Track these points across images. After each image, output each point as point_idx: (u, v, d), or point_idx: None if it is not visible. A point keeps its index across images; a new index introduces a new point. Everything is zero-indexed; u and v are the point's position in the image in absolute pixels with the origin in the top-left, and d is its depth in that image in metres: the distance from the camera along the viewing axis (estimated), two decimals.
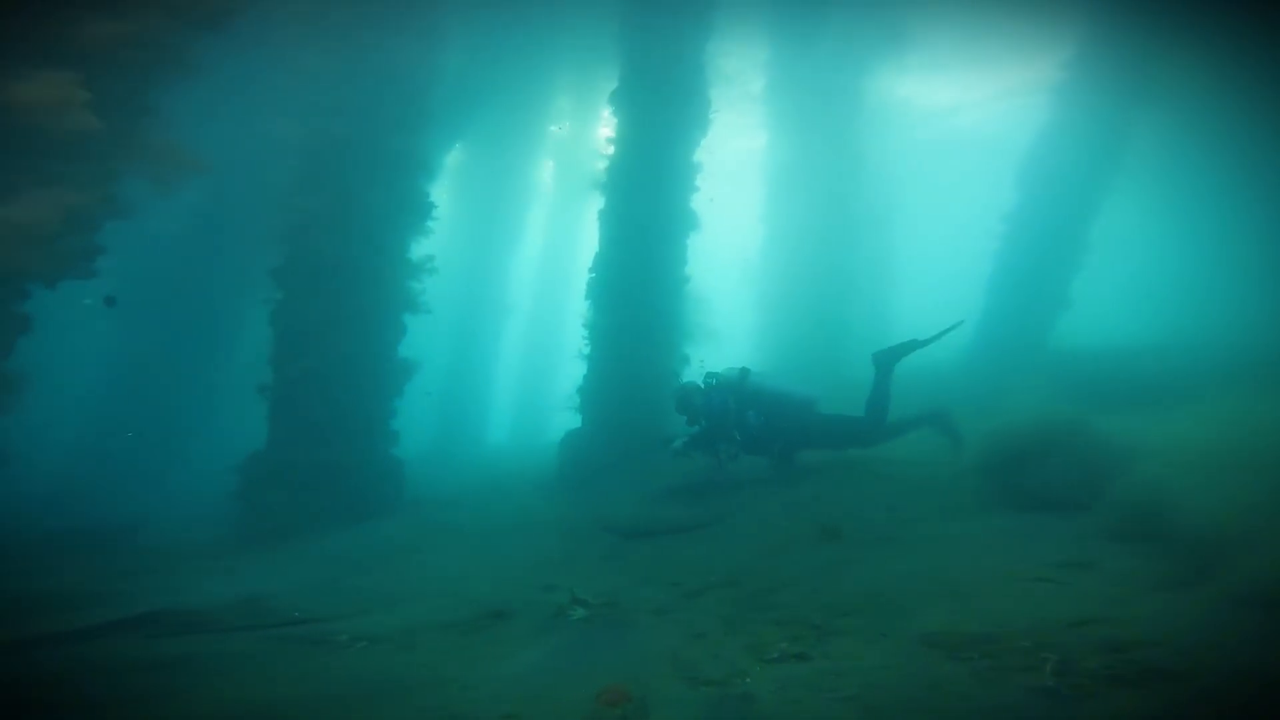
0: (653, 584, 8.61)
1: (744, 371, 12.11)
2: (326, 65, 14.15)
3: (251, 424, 14.58)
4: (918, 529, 8.59)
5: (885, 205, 23.29)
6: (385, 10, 14.26)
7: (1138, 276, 28.64)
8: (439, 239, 16.42)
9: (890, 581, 6.97)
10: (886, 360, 11.91)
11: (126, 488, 18.55)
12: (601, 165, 17.70)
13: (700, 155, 17.08)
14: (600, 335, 16.08)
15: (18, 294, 6.88)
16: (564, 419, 24.87)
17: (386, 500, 14.24)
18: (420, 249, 15.51)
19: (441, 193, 15.90)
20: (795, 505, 10.48)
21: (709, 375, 12.39)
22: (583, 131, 30.86)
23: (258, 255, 17.83)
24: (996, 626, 5.59)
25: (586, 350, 16.55)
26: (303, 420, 13.67)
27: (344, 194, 14.00)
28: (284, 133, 13.88)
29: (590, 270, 16.64)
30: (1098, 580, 6.32)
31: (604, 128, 31.01)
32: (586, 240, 33.45)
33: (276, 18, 13.24)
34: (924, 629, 5.78)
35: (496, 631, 7.77)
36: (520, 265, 29.40)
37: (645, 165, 16.16)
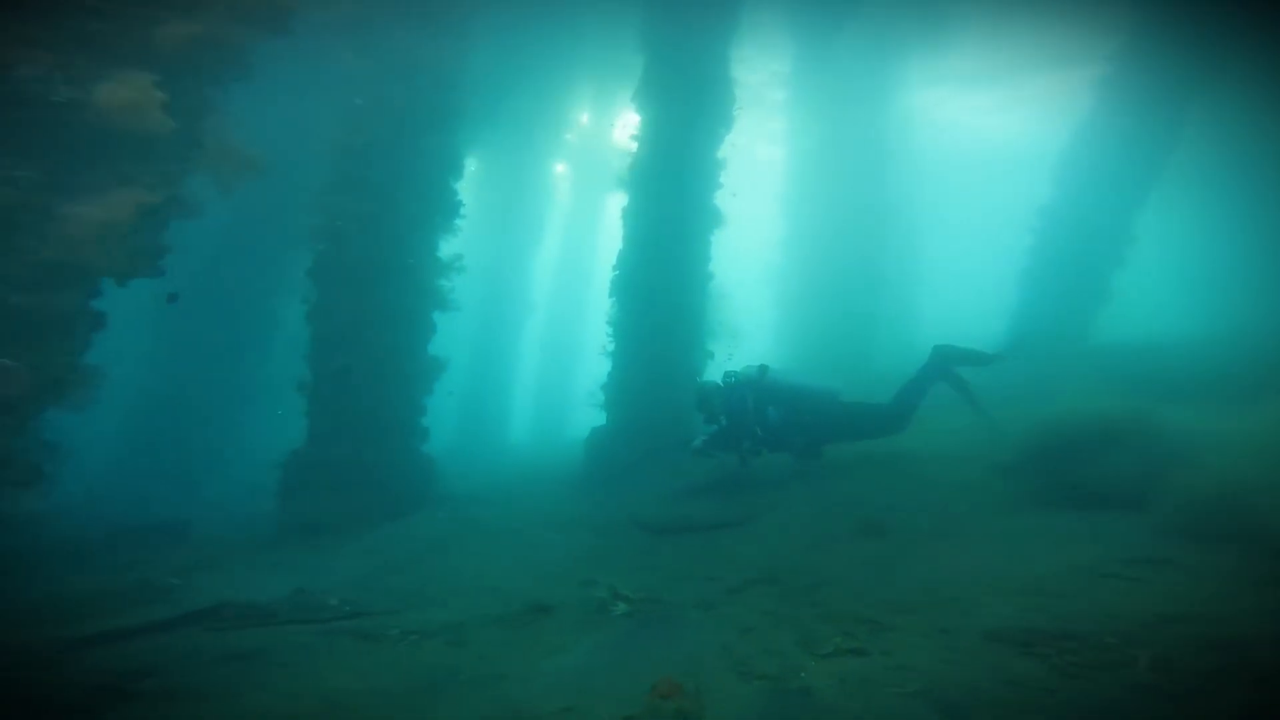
0: (692, 580, 8.79)
1: (763, 368, 12.22)
2: (362, 64, 14.35)
3: (282, 421, 14.80)
4: (966, 524, 8.69)
5: (910, 200, 23.25)
6: (420, 10, 14.45)
7: (1182, 271, 28.44)
8: (461, 238, 16.58)
9: (945, 577, 7.08)
10: (945, 358, 11.95)
11: (166, 485, 18.81)
12: (624, 163, 17.96)
13: (724, 151, 17.12)
14: (625, 333, 16.25)
15: (92, 291, 7.10)
16: (585, 416, 25.22)
17: (419, 497, 14.47)
18: (449, 247, 15.68)
19: (464, 193, 15.99)
20: (830, 502, 10.64)
21: (728, 374, 12.53)
22: (599, 132, 30.98)
23: (290, 254, 18.16)
24: (1070, 623, 5.56)
25: (610, 347, 16.68)
26: (340, 418, 13.91)
27: (379, 193, 14.20)
28: (321, 132, 14.07)
29: (614, 267, 16.80)
30: (1181, 577, 6.23)
31: (622, 127, 31.40)
32: (602, 239, 33.80)
33: (315, 19, 13.41)
34: (988, 625, 5.83)
35: (542, 626, 7.96)
36: (539, 264, 29.54)
37: (670, 162, 16.32)
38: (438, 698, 6.31)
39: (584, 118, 30.38)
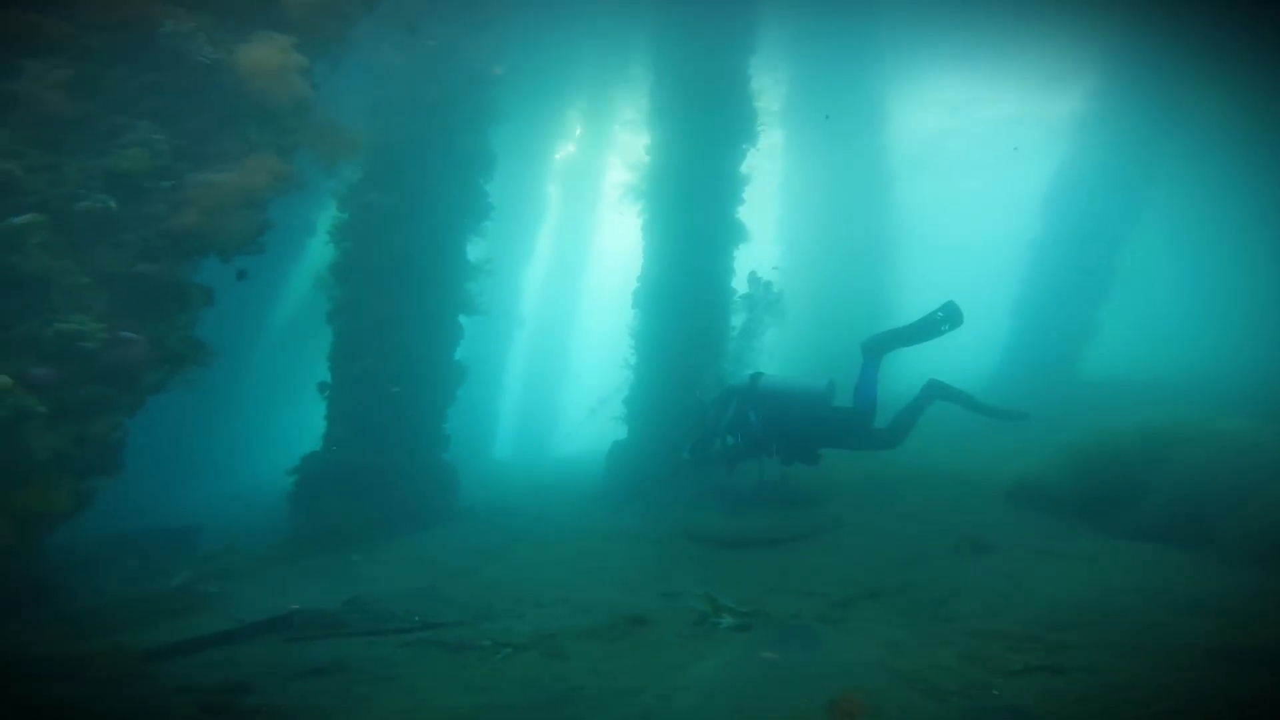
0: (784, 593, 8.43)
1: (755, 376, 11.94)
2: (399, 58, 13.89)
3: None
4: (1070, 544, 8.41)
5: (907, 225, 23.22)
6: (460, 6, 14.05)
7: (1166, 306, 28.81)
8: None
9: (1096, 596, 6.77)
10: (874, 347, 11.69)
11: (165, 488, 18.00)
12: (635, 177, 17.76)
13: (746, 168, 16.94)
14: (649, 346, 15.89)
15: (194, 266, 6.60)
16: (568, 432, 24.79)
17: (442, 507, 13.90)
18: (477, 250, 15.23)
19: None
20: (904, 517, 10.38)
21: (722, 385, 12.50)
22: (591, 147, 30.70)
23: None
24: None
25: (633, 360, 16.34)
26: (362, 422, 13.31)
27: (410, 191, 13.71)
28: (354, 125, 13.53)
29: (638, 279, 16.47)
30: None
31: (617, 143, 31.15)
32: (593, 255, 33.46)
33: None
34: (1197, 644, 5.52)
35: (641, 639, 7.54)
36: (528, 278, 29.07)
37: (693, 177, 16.03)
38: (577, 715, 5.82)
39: (576, 131, 30.06)
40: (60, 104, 5.69)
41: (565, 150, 30.16)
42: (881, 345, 11.68)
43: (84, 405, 5.36)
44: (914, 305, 22.94)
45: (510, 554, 11.38)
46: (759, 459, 11.92)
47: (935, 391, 11.68)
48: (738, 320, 16.14)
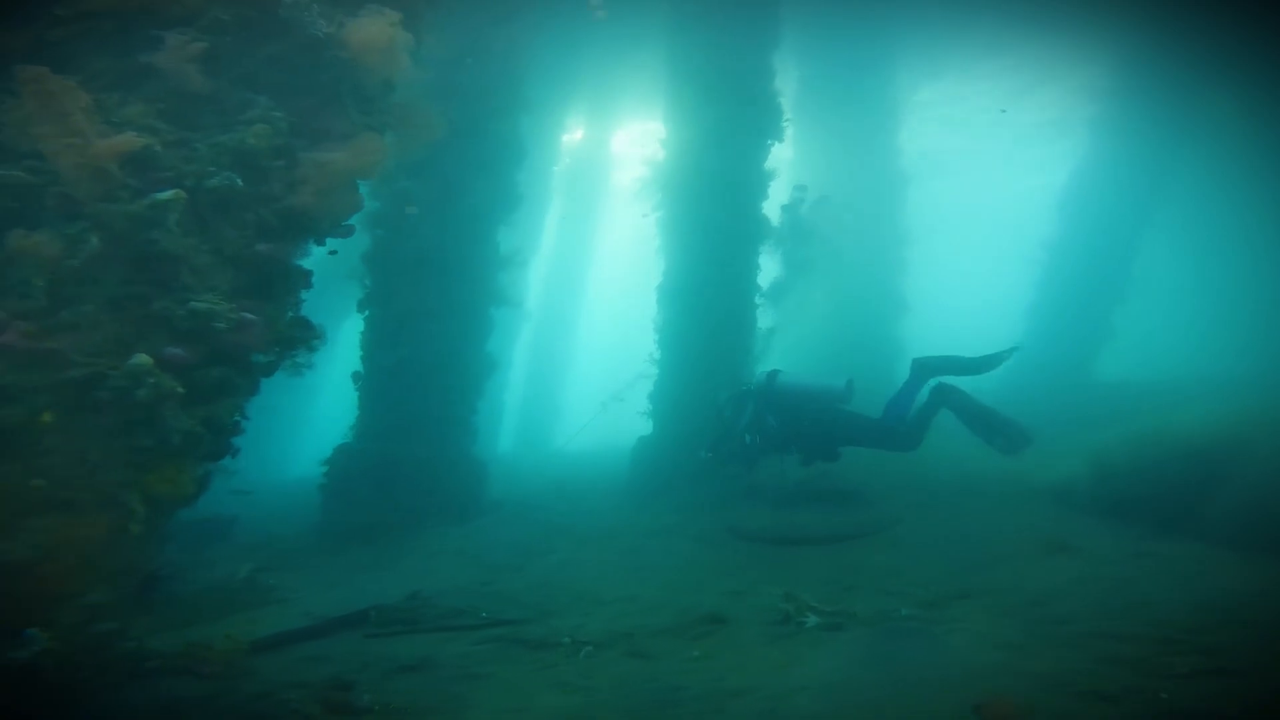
0: (861, 593, 8.30)
1: (772, 374, 11.85)
2: (436, 44, 13.64)
3: None
4: (1159, 546, 8.32)
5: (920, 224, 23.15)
6: None
7: (1175, 310, 28.89)
8: None
9: (1218, 598, 6.66)
10: (925, 368, 11.52)
11: None
12: (653, 171, 17.62)
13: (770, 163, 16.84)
14: (675, 342, 15.74)
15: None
16: (591, 425, 24.59)
17: (473, 501, 13.70)
18: (508, 241, 15.04)
19: None
20: (961, 517, 10.34)
21: (738, 385, 12.44)
22: (594, 142, 30.51)
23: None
24: None
25: (657, 356, 16.22)
26: (396, 413, 13.09)
27: (444, 180, 13.49)
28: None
29: (663, 275, 16.34)
30: None
31: (621, 137, 30.98)
32: (598, 250, 33.24)
33: None
34: None
35: (725, 638, 7.45)
36: (533, 272, 28.80)
37: (718, 173, 15.87)
38: (687, 716, 5.70)
39: (578, 129, 29.87)
40: (194, 78, 5.53)
41: (570, 139, 29.91)
42: (935, 368, 11.50)
43: (211, 387, 5.19)
44: (927, 305, 23.15)
45: (553, 550, 11.20)
46: (778, 458, 11.85)
47: (946, 396, 11.57)
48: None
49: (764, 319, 16.74)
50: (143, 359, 4.84)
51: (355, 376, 13.51)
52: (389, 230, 13.52)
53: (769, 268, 17.04)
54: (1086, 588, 7.37)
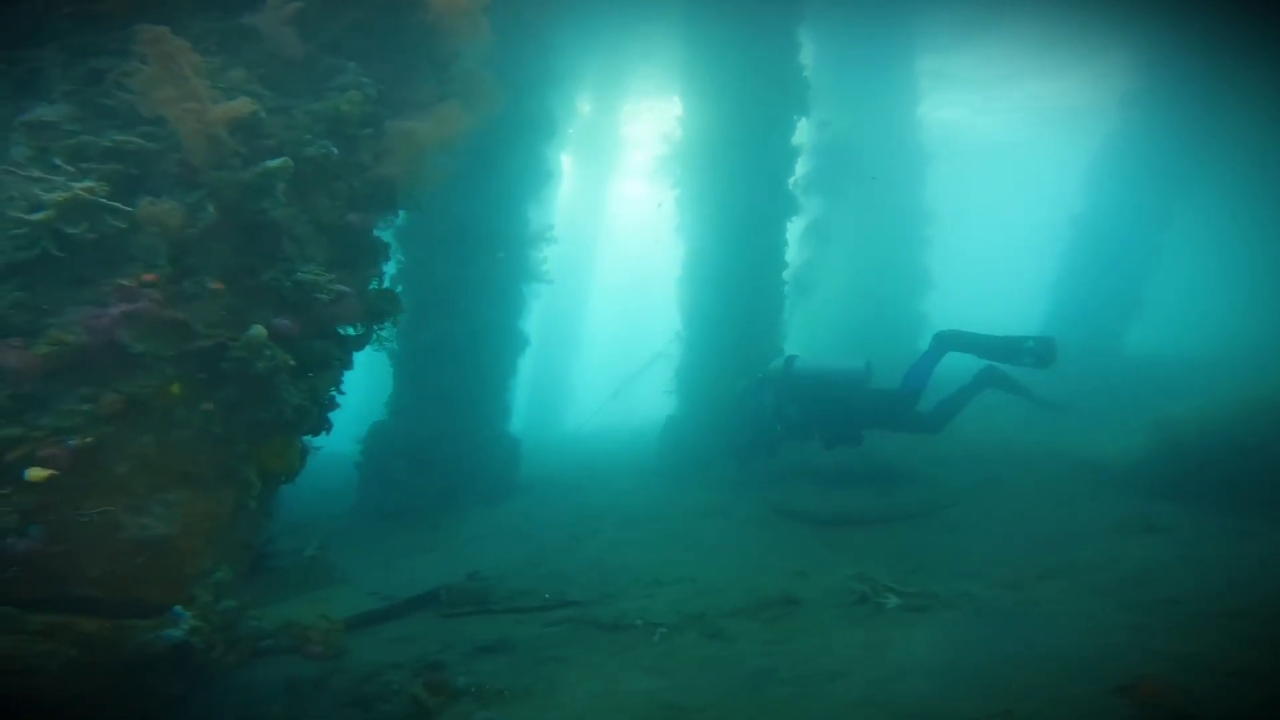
0: (935, 574, 8.14)
1: (789, 360, 11.76)
2: None
3: None
4: (1254, 525, 8.14)
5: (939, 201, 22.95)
6: None
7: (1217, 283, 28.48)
8: None
9: None
10: (946, 341, 11.44)
11: None
12: (672, 147, 17.44)
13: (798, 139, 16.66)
14: (703, 320, 15.61)
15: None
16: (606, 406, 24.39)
17: (508, 480, 13.56)
18: (540, 217, 14.83)
19: None
20: (1022, 496, 10.21)
21: (756, 373, 12.33)
22: (601, 120, 30.19)
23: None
24: None
25: (684, 335, 16.10)
26: (431, 391, 12.91)
27: (477, 154, 13.23)
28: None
29: (689, 253, 16.20)
30: None
31: (629, 115, 30.62)
32: (605, 229, 32.96)
33: None
34: None
35: (802, 620, 7.33)
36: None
37: (744, 149, 15.69)
38: (786, 697, 5.58)
39: (585, 106, 29.51)
40: (291, 42, 5.34)
41: (580, 113, 29.54)
42: (955, 343, 11.40)
43: (314, 360, 5.05)
44: (948, 283, 23.00)
45: (599, 531, 11.06)
46: (800, 442, 11.82)
47: (991, 379, 11.49)
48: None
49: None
50: (259, 330, 4.69)
51: (390, 353, 13.29)
52: (425, 207, 13.28)
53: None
54: (1186, 567, 7.20)
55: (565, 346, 29.88)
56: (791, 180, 16.47)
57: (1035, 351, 10.90)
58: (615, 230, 36.26)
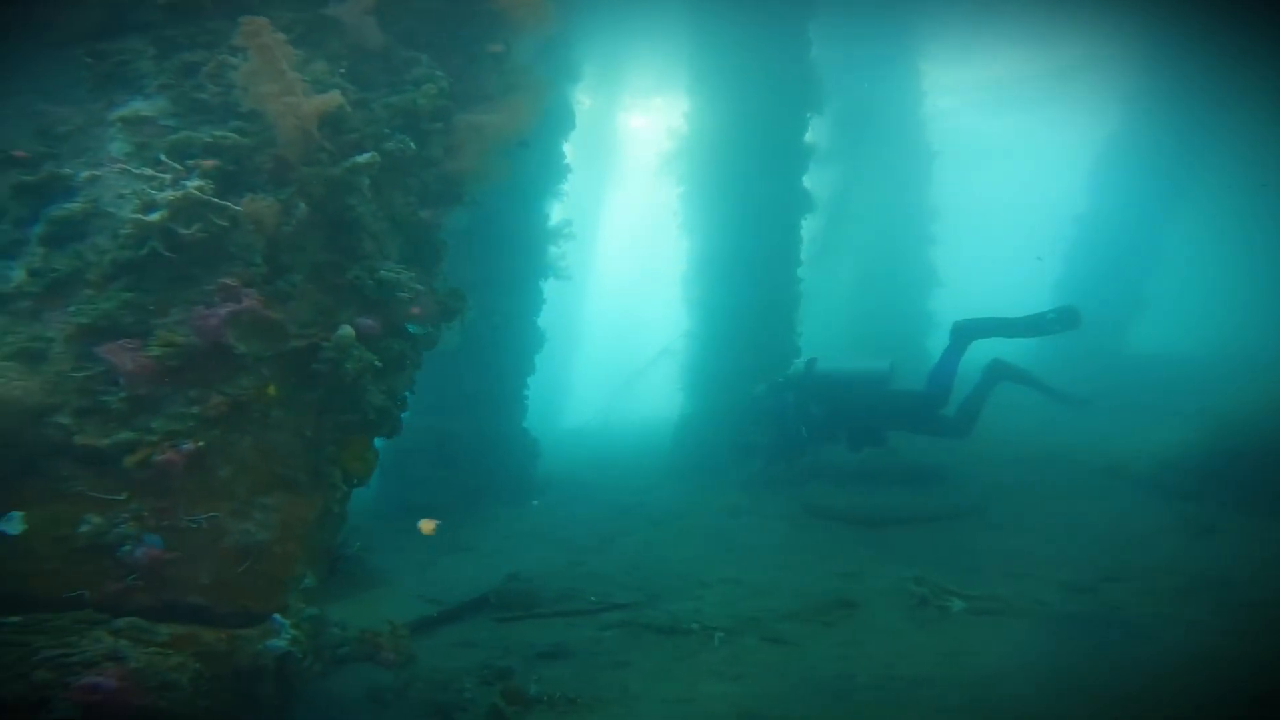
0: (987, 575, 8.00)
1: (810, 362, 11.63)
2: None
3: None
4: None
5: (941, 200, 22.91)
6: None
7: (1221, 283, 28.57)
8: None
9: None
10: (966, 332, 11.27)
11: None
12: (678, 143, 17.38)
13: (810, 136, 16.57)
14: (719, 316, 15.52)
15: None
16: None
17: (527, 479, 13.39)
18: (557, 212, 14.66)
19: None
20: (1064, 497, 10.14)
21: (776, 377, 12.18)
22: (601, 115, 30.05)
23: None
24: None
25: (698, 331, 16.03)
26: (452, 388, 12.71)
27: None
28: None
29: (702, 249, 16.20)
30: None
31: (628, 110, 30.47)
32: (604, 225, 32.80)
33: None
34: None
35: (864, 624, 7.20)
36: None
37: (757, 144, 15.61)
38: (873, 703, 5.45)
39: (585, 100, 29.29)
40: (372, 33, 5.16)
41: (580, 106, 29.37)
42: (977, 331, 11.25)
43: (392, 360, 4.89)
44: (955, 281, 22.96)
45: (630, 531, 10.89)
46: (825, 444, 11.73)
47: (1001, 372, 11.40)
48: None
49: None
50: (348, 330, 4.53)
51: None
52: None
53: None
54: (1261, 569, 7.11)
55: (562, 343, 29.70)
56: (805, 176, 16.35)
57: (1060, 320, 10.94)
58: (612, 225, 36.10)
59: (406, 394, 5.55)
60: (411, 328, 5.38)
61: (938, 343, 20.01)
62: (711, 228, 16.23)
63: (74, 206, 4.38)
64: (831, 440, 11.64)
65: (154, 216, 4.00)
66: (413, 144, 5.25)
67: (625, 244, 41.78)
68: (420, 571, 9.12)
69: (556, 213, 14.83)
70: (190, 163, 4.35)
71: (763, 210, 15.51)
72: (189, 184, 4.09)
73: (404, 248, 5.46)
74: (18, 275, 4.25)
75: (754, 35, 15.75)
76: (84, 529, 3.72)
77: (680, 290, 17.42)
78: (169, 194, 4.05)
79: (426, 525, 9.87)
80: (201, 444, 3.99)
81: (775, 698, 5.75)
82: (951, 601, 7.33)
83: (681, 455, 15.20)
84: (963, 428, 11.08)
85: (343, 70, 5.18)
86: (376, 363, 4.72)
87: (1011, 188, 40.38)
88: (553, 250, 14.39)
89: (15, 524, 3.62)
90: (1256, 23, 18.11)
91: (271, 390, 4.29)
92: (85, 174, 4.48)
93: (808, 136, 16.57)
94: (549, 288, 27.62)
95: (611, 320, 38.19)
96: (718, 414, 14.97)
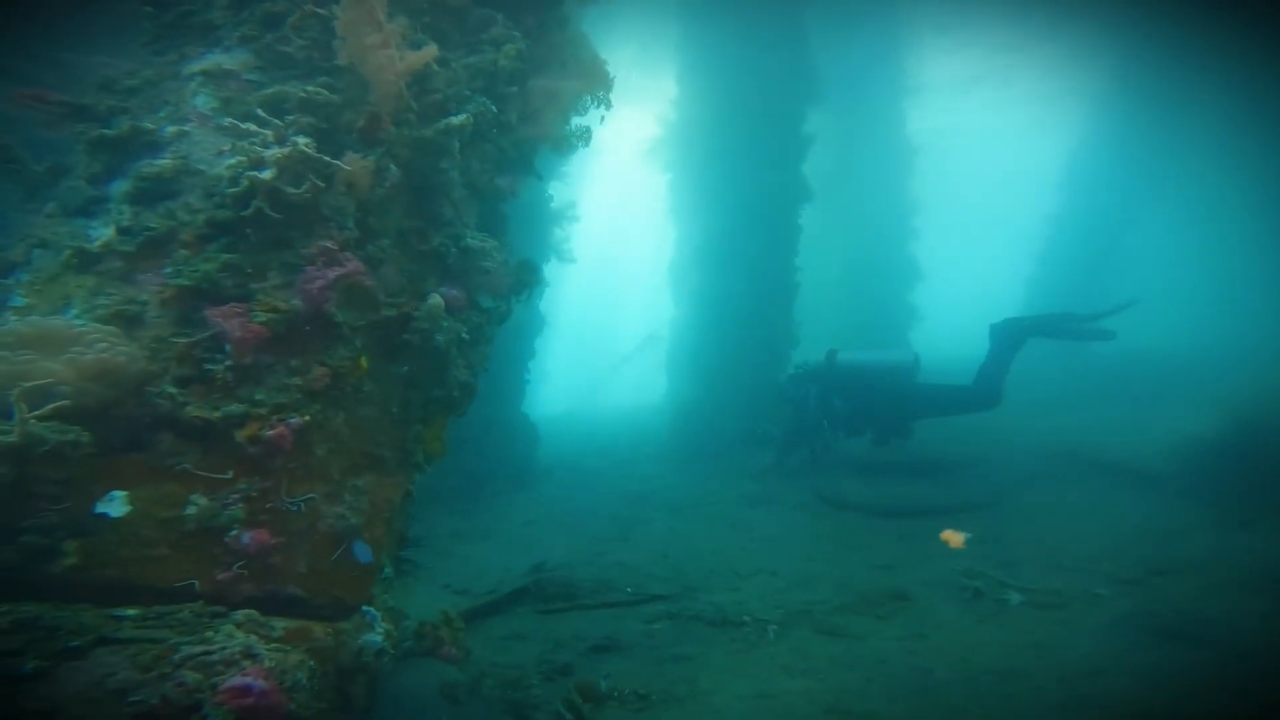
0: (1028, 566, 7.87)
1: (831, 354, 11.38)
2: None
3: None
4: None
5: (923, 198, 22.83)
6: None
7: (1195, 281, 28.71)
8: None
9: None
10: (1014, 332, 10.75)
11: None
12: (667, 131, 17.16)
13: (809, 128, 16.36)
14: (719, 306, 15.29)
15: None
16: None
17: (529, 465, 13.05)
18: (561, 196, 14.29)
19: None
20: (1084, 489, 10.01)
21: (796, 366, 11.89)
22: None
23: None
24: None
25: (696, 320, 15.79)
26: None
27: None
28: None
29: (699, 237, 16.03)
30: None
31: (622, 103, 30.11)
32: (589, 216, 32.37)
33: None
34: None
35: (921, 616, 6.98)
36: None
37: (756, 132, 15.40)
38: (965, 698, 5.22)
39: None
40: None
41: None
42: (1028, 330, 10.73)
43: (475, 333, 4.54)
44: (937, 278, 22.91)
45: (647, 520, 10.60)
46: (848, 437, 11.49)
47: (1019, 332, 11.04)
48: None
49: None
50: (437, 300, 4.19)
51: None
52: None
53: None
54: None
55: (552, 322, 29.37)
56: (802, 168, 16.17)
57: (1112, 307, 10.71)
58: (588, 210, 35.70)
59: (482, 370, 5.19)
60: (484, 300, 5.04)
61: (920, 335, 20.18)
62: (709, 215, 15.95)
63: (164, 163, 3.96)
64: (854, 434, 11.35)
65: (265, 175, 3.61)
66: (494, 107, 4.89)
67: (601, 230, 41.43)
68: (443, 559, 8.79)
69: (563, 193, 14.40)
70: (289, 119, 3.95)
71: (760, 198, 15.27)
72: (298, 140, 3.70)
73: (480, 216, 5.11)
74: (104, 234, 3.82)
75: (750, 23, 15.50)
76: (190, 511, 3.32)
77: (667, 277, 17.17)
78: (276, 151, 3.65)
79: None
80: (308, 418, 3.61)
81: (856, 693, 5.51)
82: (1009, 594, 7.14)
83: (680, 442, 14.89)
84: (991, 397, 10.72)
85: (423, 26, 4.79)
86: (465, 335, 4.38)
87: (988, 185, 40.53)
88: (557, 232, 13.94)
89: (118, 505, 3.21)
90: (1228, 21, 18.12)
91: (364, 362, 3.92)
92: (171, 129, 4.06)
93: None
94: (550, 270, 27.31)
95: (585, 306, 37.92)
96: (719, 402, 14.75)
